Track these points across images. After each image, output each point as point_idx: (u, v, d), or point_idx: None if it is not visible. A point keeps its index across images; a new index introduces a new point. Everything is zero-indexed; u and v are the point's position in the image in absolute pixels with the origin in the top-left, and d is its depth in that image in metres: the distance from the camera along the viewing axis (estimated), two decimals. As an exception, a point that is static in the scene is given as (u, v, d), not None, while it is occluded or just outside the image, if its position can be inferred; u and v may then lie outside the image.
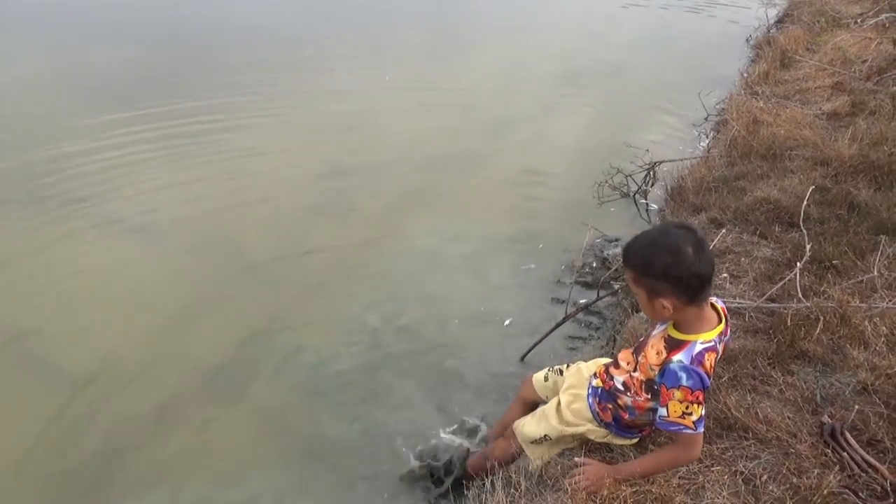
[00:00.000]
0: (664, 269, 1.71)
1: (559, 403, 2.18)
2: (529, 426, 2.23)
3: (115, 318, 3.36)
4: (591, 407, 2.09)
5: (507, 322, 3.42)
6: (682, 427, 1.77)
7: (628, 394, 1.95)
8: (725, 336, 1.88)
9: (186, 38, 8.14)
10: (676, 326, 1.81)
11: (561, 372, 2.34)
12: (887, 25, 5.80)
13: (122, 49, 7.54)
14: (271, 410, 2.89)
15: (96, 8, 9.22)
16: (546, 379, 2.37)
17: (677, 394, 1.74)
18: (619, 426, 2.05)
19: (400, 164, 5.05)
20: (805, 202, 3.19)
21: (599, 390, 2.07)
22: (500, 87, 6.93)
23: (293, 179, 4.81)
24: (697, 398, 1.73)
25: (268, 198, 4.52)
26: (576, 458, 2.06)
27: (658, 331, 1.88)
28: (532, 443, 2.19)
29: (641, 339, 2.02)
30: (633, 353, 1.96)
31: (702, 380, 1.73)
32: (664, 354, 1.79)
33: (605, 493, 1.83)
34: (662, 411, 1.79)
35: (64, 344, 3.18)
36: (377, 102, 6.34)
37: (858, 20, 6.55)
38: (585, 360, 2.35)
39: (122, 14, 9.10)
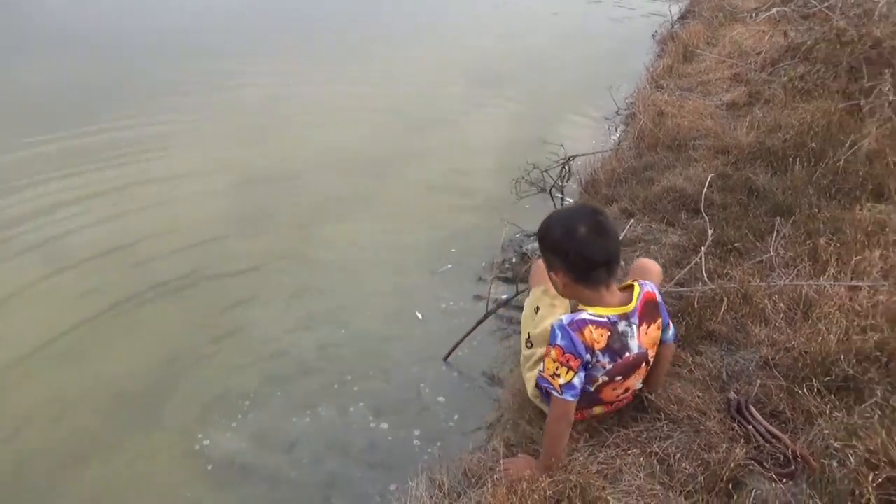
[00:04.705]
0: (553, 242, 1.84)
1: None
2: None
3: (17, 345, 3.15)
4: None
5: (419, 316, 3.42)
6: (550, 386, 1.84)
7: None
8: (644, 326, 1.93)
9: (98, 48, 7.80)
10: (581, 302, 1.90)
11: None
12: (778, 19, 6.12)
13: (28, 62, 7.15)
14: (192, 433, 2.76)
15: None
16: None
17: (552, 352, 1.82)
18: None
19: (316, 170, 4.98)
20: (705, 189, 3.33)
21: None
22: (419, 89, 6.92)
23: (206, 191, 4.65)
24: (568, 362, 1.80)
25: (180, 212, 4.36)
26: (501, 461, 2.07)
27: None
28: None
29: None
30: None
31: (574, 345, 1.79)
32: None
33: (525, 485, 1.84)
34: (541, 365, 1.88)
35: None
36: (294, 108, 6.23)
37: (753, 14, 6.90)
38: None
39: (36, 27, 8.64)
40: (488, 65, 7.58)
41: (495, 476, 1.96)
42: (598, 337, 1.82)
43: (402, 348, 3.23)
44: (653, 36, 8.41)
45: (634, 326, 1.90)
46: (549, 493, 1.85)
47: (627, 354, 1.90)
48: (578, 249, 1.81)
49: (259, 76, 6.99)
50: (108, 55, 7.61)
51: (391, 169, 5.03)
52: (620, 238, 3.04)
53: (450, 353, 3.14)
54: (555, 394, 1.85)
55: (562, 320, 1.83)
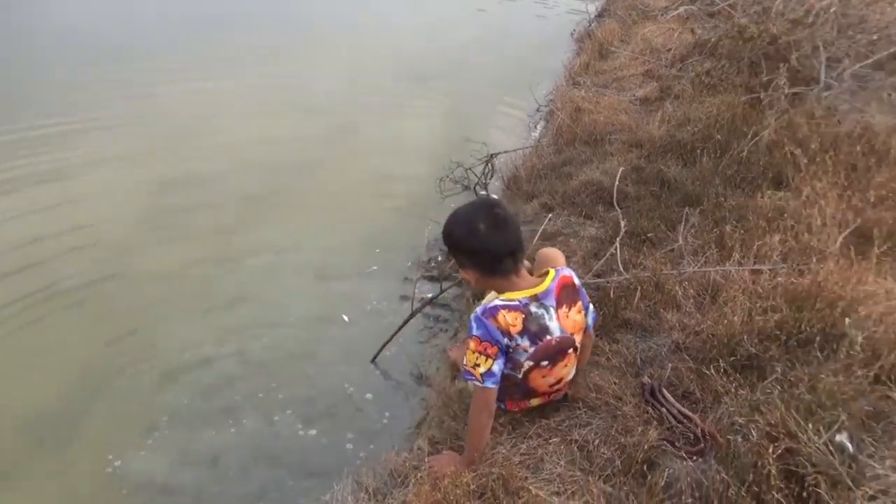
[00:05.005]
0: (457, 241, 1.93)
1: None
2: None
3: None
4: None
5: (345, 318, 3.39)
6: (472, 377, 1.89)
7: None
8: (564, 309, 1.97)
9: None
10: (496, 291, 1.97)
11: None
12: (686, 17, 6.39)
13: None
14: (102, 454, 2.62)
15: None
16: None
17: (471, 343, 1.88)
18: None
19: (238, 174, 4.85)
20: (617, 183, 3.44)
21: None
22: (344, 89, 6.85)
23: (120, 199, 4.45)
24: (486, 350, 1.86)
25: (89, 216, 4.16)
26: (426, 459, 2.09)
27: None
28: None
29: None
30: None
31: (490, 332, 1.85)
32: None
33: (446, 481, 1.85)
34: (463, 359, 1.92)
35: None
36: (212, 109, 6.05)
37: (663, 12, 7.17)
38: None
39: None
40: (413, 63, 7.57)
41: (419, 475, 1.96)
42: (513, 320, 1.87)
43: (328, 352, 3.19)
44: (571, 34, 8.62)
45: (551, 309, 1.94)
46: (472, 487, 1.87)
47: (549, 337, 1.94)
48: (482, 245, 1.89)
49: (174, 76, 6.75)
50: (10, 53, 7.19)
51: (313, 170, 4.96)
52: (539, 231, 3.15)
53: (377, 355, 3.13)
54: (476, 383, 1.89)
55: (476, 312, 1.88)
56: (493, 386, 1.89)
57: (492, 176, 4.70)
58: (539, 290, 1.93)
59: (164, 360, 3.07)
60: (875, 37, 4.26)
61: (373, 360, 3.13)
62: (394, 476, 2.11)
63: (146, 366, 3.04)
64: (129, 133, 5.49)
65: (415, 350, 3.22)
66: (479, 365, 1.87)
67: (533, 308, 1.90)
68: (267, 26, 8.95)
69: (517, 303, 1.89)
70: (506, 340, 1.87)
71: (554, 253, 2.36)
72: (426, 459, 2.06)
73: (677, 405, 2.15)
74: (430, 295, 3.35)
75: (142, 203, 4.38)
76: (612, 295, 2.68)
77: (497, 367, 1.88)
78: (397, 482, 2.07)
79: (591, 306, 2.13)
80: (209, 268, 3.75)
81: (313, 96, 6.52)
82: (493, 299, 1.99)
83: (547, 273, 2.01)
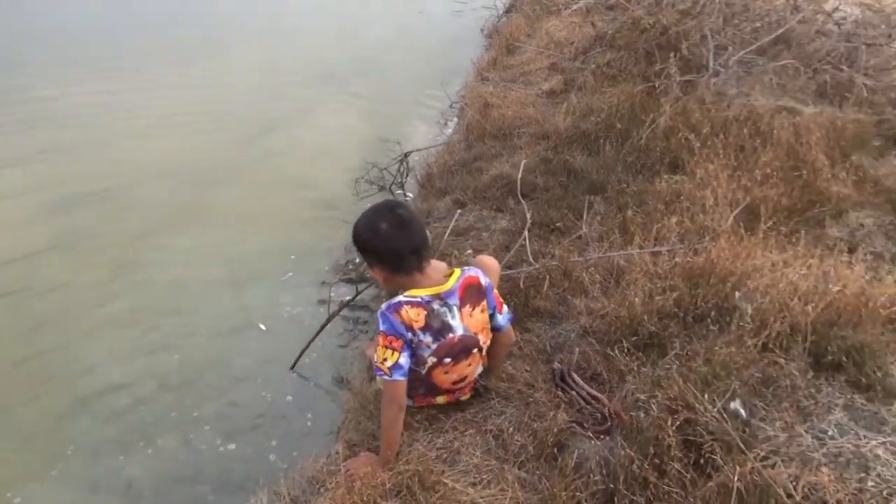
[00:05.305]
0: (363, 243, 1.98)
1: None
2: None
3: None
4: None
5: (262, 327, 3.34)
6: (381, 372, 1.92)
7: None
8: (468, 308, 2.01)
9: None
10: (403, 289, 2.00)
11: None
12: (587, 10, 6.58)
13: None
14: (10, 489, 2.47)
15: None
16: None
17: (379, 339, 1.92)
18: None
19: (144, 182, 4.68)
20: (520, 175, 3.53)
21: None
22: (256, 92, 6.72)
23: (17, 209, 4.23)
24: (391, 343, 1.91)
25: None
26: (344, 463, 2.08)
27: None
28: None
29: None
30: None
31: (394, 326, 1.90)
32: None
33: (359, 483, 1.85)
34: (374, 357, 1.96)
35: None
36: (115, 119, 5.81)
37: (565, 7, 7.36)
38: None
39: None
40: (326, 64, 7.50)
41: (336, 479, 1.96)
42: (416, 316, 1.92)
43: (245, 362, 3.12)
44: (481, 30, 8.73)
45: (455, 308, 1.98)
46: (388, 486, 1.88)
47: (451, 335, 1.98)
48: (385, 245, 1.93)
49: (72, 86, 6.43)
50: None
51: (224, 177, 4.84)
52: (450, 228, 3.18)
53: (296, 362, 3.09)
54: (385, 378, 1.92)
55: (382, 308, 1.92)
56: (402, 378, 1.93)
57: (407, 175, 4.72)
58: (443, 288, 1.97)
59: (66, 385, 2.93)
60: (758, 24, 4.53)
61: (292, 368, 3.08)
62: (312, 483, 2.09)
63: (47, 391, 2.89)
64: (28, 139, 5.24)
65: (335, 354, 3.20)
66: (386, 359, 1.91)
67: (435, 305, 1.94)
68: (177, 29, 8.66)
69: (419, 299, 1.93)
70: (409, 335, 1.91)
71: (488, 261, 2.37)
72: (343, 464, 2.05)
73: (586, 387, 2.23)
74: (347, 298, 3.33)
75: (42, 214, 4.18)
76: (522, 285, 2.74)
77: (404, 359, 1.92)
78: (315, 489, 2.06)
79: (506, 308, 2.17)
80: (114, 282, 3.60)
81: (225, 100, 6.37)
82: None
83: (453, 273, 2.04)
